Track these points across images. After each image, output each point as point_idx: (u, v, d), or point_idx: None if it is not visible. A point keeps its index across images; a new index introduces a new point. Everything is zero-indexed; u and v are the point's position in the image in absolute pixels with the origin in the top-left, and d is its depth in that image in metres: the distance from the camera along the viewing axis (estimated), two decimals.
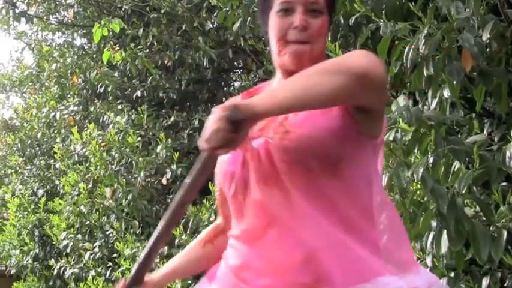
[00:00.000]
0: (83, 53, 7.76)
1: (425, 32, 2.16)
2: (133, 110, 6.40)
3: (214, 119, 1.17)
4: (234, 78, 6.95)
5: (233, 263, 1.40)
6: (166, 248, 5.05)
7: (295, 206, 1.32)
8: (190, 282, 4.43)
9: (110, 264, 5.75)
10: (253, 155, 1.37)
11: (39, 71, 8.75)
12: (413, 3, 2.35)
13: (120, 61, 5.89)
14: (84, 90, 7.40)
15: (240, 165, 1.39)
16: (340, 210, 1.32)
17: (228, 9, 4.05)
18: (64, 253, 6.29)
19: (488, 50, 2.23)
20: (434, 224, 2.15)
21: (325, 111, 1.35)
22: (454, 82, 2.18)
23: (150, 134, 6.18)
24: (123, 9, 6.62)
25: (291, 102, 1.23)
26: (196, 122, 6.22)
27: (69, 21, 7.74)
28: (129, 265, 5.12)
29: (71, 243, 6.10)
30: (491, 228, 2.06)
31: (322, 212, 1.31)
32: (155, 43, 6.32)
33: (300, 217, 1.32)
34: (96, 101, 7.07)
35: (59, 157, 6.66)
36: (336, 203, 1.32)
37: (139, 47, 6.17)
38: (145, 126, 6.17)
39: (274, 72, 1.57)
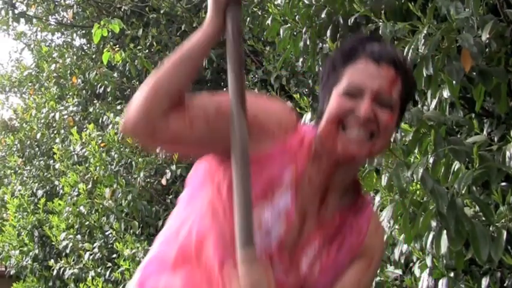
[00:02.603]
0: (82, 53, 7.77)
1: (425, 32, 2.16)
2: None
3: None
4: None
5: None
6: None
7: None
8: None
9: (109, 264, 5.75)
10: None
11: (39, 72, 8.75)
12: (412, 3, 2.35)
13: (120, 61, 5.89)
14: (84, 91, 7.40)
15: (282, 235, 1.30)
16: None
17: None
18: (64, 254, 6.29)
19: (487, 50, 2.23)
20: (434, 224, 2.15)
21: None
22: (454, 82, 2.18)
23: None
24: (122, 10, 6.62)
25: None
26: None
27: (69, 21, 7.74)
28: (129, 265, 5.12)
29: (71, 244, 6.10)
30: (490, 228, 2.06)
31: None
32: (154, 43, 6.32)
33: None
34: (95, 101, 7.08)
35: (59, 158, 6.66)
36: None
37: (138, 47, 6.17)
38: None
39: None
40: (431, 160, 2.13)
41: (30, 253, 7.05)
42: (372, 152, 1.29)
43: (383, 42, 1.40)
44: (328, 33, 2.96)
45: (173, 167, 5.72)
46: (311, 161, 1.32)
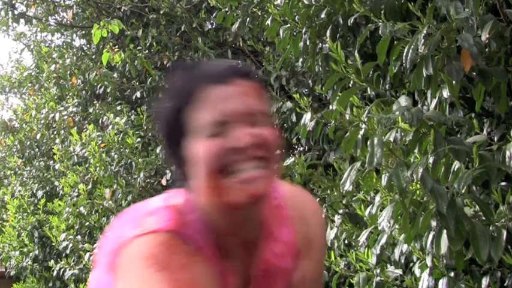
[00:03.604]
0: (82, 54, 7.76)
1: (425, 32, 2.16)
2: (133, 111, 6.40)
3: None
4: None
5: None
6: None
7: None
8: None
9: None
10: None
11: (39, 72, 8.74)
12: (412, 3, 2.35)
13: (120, 62, 5.88)
14: (84, 91, 7.40)
15: None
16: None
17: (226, 10, 4.06)
18: (64, 254, 6.29)
19: (487, 49, 2.23)
20: (434, 223, 2.15)
21: None
22: (454, 82, 2.18)
23: (150, 134, 6.18)
24: (122, 10, 6.62)
25: None
26: None
27: (68, 22, 7.74)
28: None
29: (71, 245, 6.10)
30: (490, 228, 2.06)
31: None
32: (154, 44, 6.32)
33: None
34: (95, 102, 7.07)
35: (59, 158, 6.66)
36: None
37: (138, 47, 6.17)
38: (145, 127, 6.17)
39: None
40: (431, 160, 2.13)
41: (30, 254, 7.05)
42: (273, 179, 1.09)
43: (213, 59, 1.18)
44: (328, 33, 2.96)
45: (173, 168, 5.71)
46: (222, 253, 1.13)
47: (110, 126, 6.08)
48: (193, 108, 1.06)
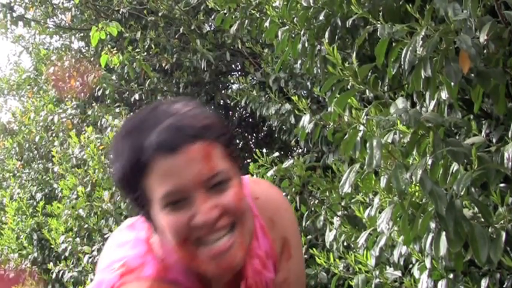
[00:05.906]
0: (81, 56, 7.76)
1: (423, 33, 2.16)
2: (131, 113, 6.39)
3: None
4: (231, 81, 6.94)
5: None
6: None
7: None
8: None
9: None
10: None
11: (37, 75, 8.75)
12: (410, 5, 2.36)
13: (118, 64, 5.88)
14: (82, 94, 7.40)
15: None
16: None
17: (225, 12, 4.06)
18: (63, 257, 6.28)
19: (485, 51, 2.23)
20: (433, 225, 2.15)
21: None
22: (452, 83, 2.18)
23: None
24: (120, 13, 6.62)
25: None
26: None
27: (67, 24, 7.74)
28: None
29: (70, 247, 6.09)
30: (489, 230, 2.06)
31: None
32: (153, 46, 6.32)
33: None
34: (94, 104, 7.07)
35: (57, 161, 6.66)
36: None
37: (137, 50, 6.17)
38: None
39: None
40: (429, 162, 2.13)
41: (29, 256, 7.04)
42: (243, 247, 1.06)
43: (161, 115, 1.03)
44: (327, 35, 2.96)
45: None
46: None
47: (109, 129, 6.07)
48: (147, 180, 1.01)
